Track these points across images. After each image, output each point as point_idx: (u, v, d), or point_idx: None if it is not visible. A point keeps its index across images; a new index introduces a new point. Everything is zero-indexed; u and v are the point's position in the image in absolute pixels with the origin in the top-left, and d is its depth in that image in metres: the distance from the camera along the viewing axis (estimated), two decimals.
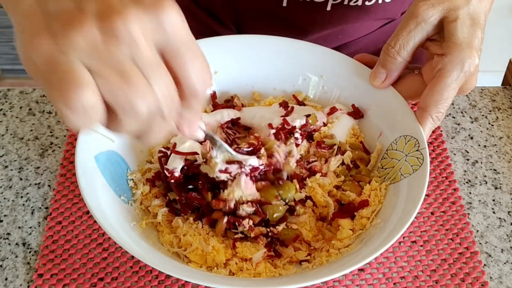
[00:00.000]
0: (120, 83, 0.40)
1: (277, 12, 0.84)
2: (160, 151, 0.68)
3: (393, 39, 0.66)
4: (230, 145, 0.68)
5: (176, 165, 0.65)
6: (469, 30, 0.63)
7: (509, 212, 0.71)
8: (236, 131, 0.73)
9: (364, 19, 0.86)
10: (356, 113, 0.73)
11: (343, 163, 0.69)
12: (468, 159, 0.77)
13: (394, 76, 0.69)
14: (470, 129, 0.81)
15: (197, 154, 0.66)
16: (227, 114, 0.73)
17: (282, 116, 0.71)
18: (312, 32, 0.87)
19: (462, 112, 0.83)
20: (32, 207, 0.70)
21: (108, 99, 0.40)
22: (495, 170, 0.76)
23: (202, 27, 0.91)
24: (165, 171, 0.65)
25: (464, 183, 0.74)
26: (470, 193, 0.73)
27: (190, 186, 0.65)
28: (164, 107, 0.42)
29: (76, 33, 0.39)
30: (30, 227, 0.68)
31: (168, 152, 0.67)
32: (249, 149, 0.66)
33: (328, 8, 0.83)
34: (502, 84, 0.90)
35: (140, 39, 0.40)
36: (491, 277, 0.65)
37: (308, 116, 0.71)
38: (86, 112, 0.40)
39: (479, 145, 0.79)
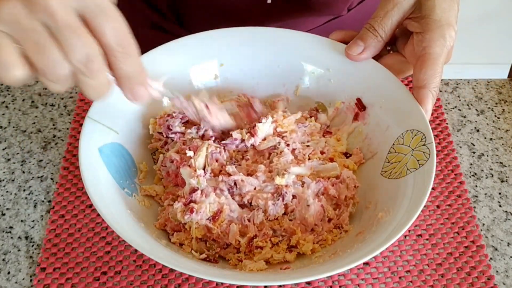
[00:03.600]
0: (36, 51, 0.44)
1: (217, 3, 0.83)
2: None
3: (373, 19, 0.68)
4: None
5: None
6: (447, 4, 0.66)
7: None
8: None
9: (307, 15, 0.85)
10: (359, 107, 0.72)
11: None
12: (474, 152, 0.76)
13: (371, 52, 0.70)
14: (476, 121, 0.80)
15: None
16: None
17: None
18: (249, 23, 0.85)
19: (468, 105, 0.82)
20: (34, 200, 0.70)
21: (32, 64, 0.45)
22: (501, 163, 0.75)
23: (142, 18, 0.90)
24: None
25: (470, 176, 0.74)
26: (476, 186, 0.73)
27: None
28: (83, 66, 0.46)
29: (2, 8, 0.43)
30: (33, 221, 0.68)
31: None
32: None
33: (269, 0, 0.82)
34: (508, 76, 0.89)
35: (56, 5, 0.44)
36: (497, 271, 0.64)
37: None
38: (5, 68, 0.45)
39: (485, 138, 0.78)
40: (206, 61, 0.75)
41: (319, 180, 0.65)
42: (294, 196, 0.64)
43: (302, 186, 0.65)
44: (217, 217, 0.61)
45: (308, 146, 0.70)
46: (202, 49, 0.74)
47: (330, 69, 0.74)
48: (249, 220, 0.62)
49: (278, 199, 0.63)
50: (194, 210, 0.61)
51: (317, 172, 0.67)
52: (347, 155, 0.71)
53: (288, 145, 0.68)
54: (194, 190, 0.62)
